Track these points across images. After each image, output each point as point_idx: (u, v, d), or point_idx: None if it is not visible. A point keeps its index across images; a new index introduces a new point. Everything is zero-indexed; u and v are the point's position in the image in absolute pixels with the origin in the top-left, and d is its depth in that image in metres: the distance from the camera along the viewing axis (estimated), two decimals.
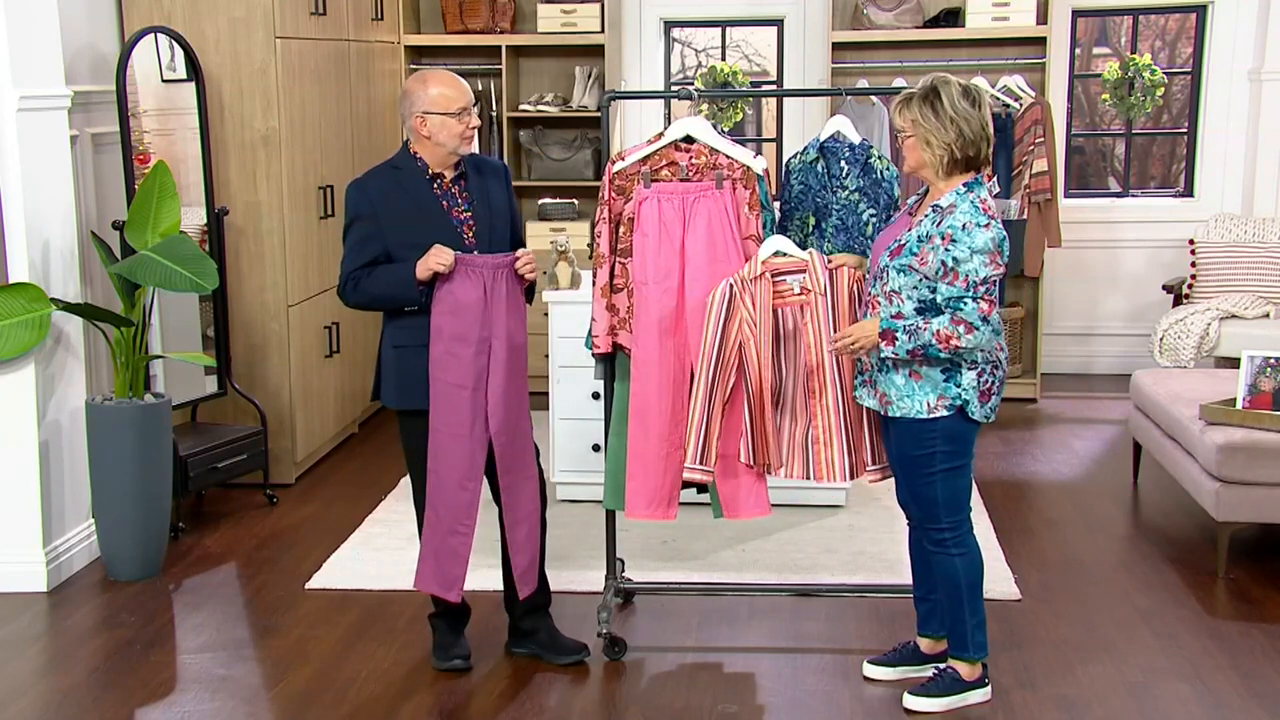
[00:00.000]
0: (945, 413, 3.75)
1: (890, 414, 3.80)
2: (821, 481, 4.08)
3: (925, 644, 4.13)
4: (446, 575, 4.05)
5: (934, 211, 3.73)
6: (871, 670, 4.14)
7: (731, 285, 4.02)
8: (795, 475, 4.08)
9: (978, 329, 3.63)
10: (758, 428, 4.04)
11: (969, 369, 3.74)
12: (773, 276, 4.03)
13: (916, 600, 4.14)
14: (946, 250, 3.64)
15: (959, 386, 3.74)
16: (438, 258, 3.85)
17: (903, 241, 3.74)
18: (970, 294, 3.63)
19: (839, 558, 5.10)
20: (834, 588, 4.72)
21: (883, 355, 3.73)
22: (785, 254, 4.05)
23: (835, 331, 3.95)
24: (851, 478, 4.07)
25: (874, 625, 4.51)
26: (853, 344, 3.79)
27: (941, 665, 4.02)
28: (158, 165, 5.14)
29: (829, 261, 3.98)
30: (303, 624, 4.58)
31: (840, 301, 4.01)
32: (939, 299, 3.66)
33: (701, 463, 4.08)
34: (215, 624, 4.60)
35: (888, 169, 4.40)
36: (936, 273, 3.66)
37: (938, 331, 3.63)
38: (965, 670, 3.94)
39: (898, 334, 3.68)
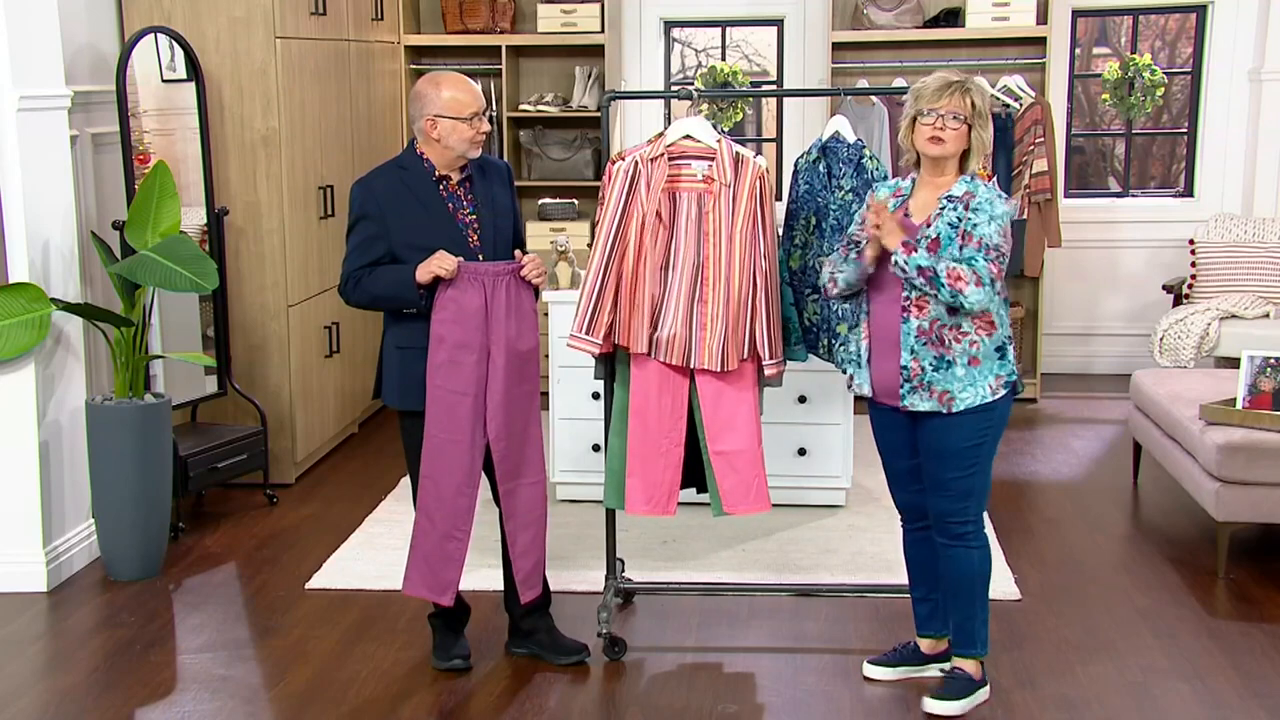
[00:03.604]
0: (1004, 391, 3.79)
1: (955, 410, 3.76)
2: (701, 365, 4.09)
3: (925, 644, 4.13)
4: (439, 579, 4.04)
5: (949, 201, 3.74)
6: (872, 670, 4.13)
7: (636, 162, 4.02)
8: (676, 361, 4.09)
9: (985, 285, 3.65)
10: (624, 307, 4.09)
11: (1009, 346, 3.80)
12: (676, 160, 4.07)
13: (916, 601, 4.14)
14: (967, 220, 3.70)
15: (1010, 362, 3.80)
16: (441, 262, 3.85)
17: (933, 236, 3.73)
18: (981, 254, 3.67)
19: (839, 558, 5.10)
20: (834, 588, 4.72)
21: (894, 260, 3.69)
22: (694, 138, 4.06)
23: (731, 224, 4.00)
24: (723, 368, 4.09)
25: (874, 625, 4.50)
26: (876, 227, 3.72)
27: (947, 665, 4.02)
28: (158, 165, 5.14)
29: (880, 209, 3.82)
30: (303, 624, 4.58)
31: (742, 195, 4.01)
32: (943, 267, 3.69)
33: (587, 333, 4.10)
34: (215, 624, 4.60)
35: (878, 169, 4.41)
36: (950, 240, 3.69)
37: (950, 267, 3.65)
38: (972, 668, 3.95)
39: (918, 249, 3.69)
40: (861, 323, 3.88)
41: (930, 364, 3.76)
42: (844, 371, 4.41)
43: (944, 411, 3.77)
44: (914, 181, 3.85)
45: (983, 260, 3.68)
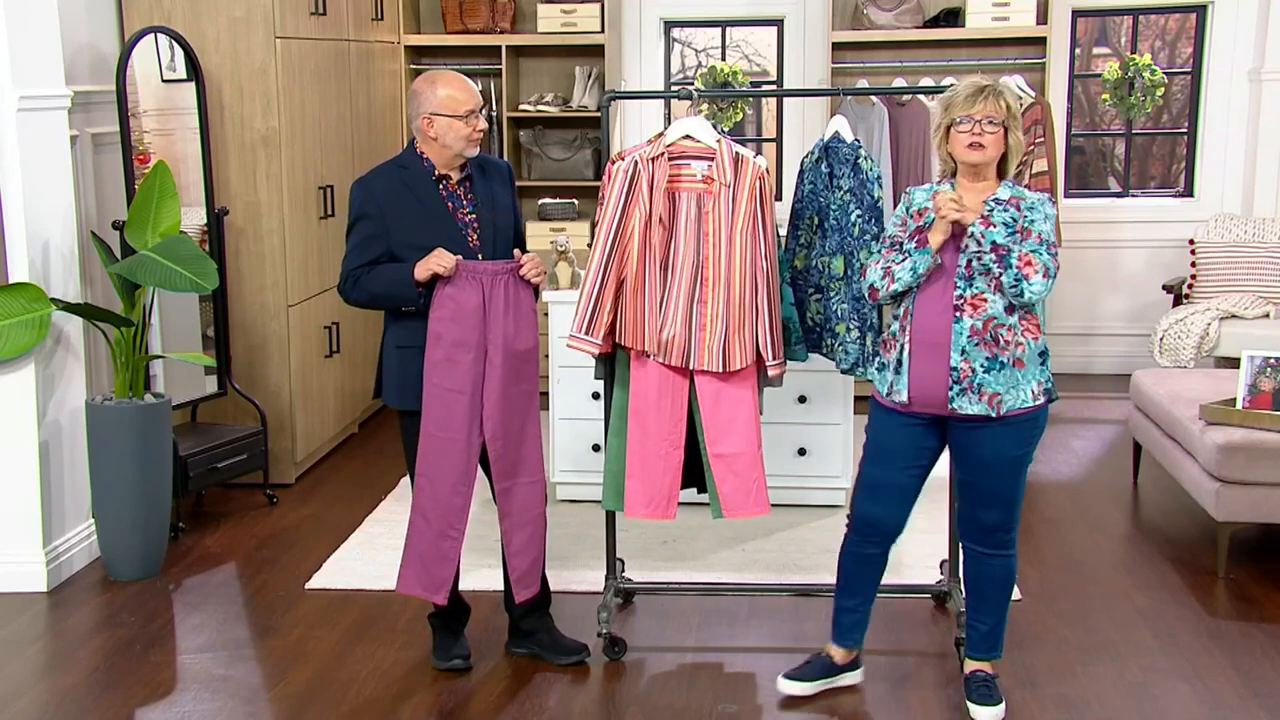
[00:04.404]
0: (1044, 398, 3.78)
1: (1003, 413, 3.71)
2: (700, 367, 4.09)
3: (839, 654, 4.04)
4: (433, 578, 4.04)
5: (997, 204, 3.72)
6: (790, 686, 4.00)
7: (636, 162, 4.03)
8: (675, 362, 4.09)
9: (1050, 277, 3.67)
10: (624, 307, 4.10)
11: (1049, 354, 3.81)
12: (676, 160, 4.07)
13: (844, 611, 4.02)
14: (1024, 218, 3.72)
15: (1049, 369, 3.79)
16: (439, 260, 3.85)
17: (994, 240, 3.71)
18: (1043, 248, 3.69)
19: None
20: (834, 588, 4.70)
21: (971, 232, 3.65)
22: (694, 138, 4.07)
23: (731, 225, 4.00)
24: (723, 369, 4.09)
25: (874, 625, 4.47)
26: (957, 209, 3.66)
27: (979, 672, 3.96)
28: (158, 165, 5.14)
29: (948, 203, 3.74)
30: (303, 624, 4.58)
31: (742, 195, 4.01)
32: (1016, 250, 3.69)
33: (587, 333, 4.11)
34: (215, 624, 4.60)
35: (872, 169, 4.41)
36: (1010, 236, 3.68)
37: (1023, 252, 3.65)
38: (992, 669, 3.96)
39: (996, 224, 3.68)
40: (905, 326, 3.77)
41: (982, 365, 3.69)
42: (844, 372, 4.40)
43: (993, 415, 3.70)
44: (953, 187, 3.79)
45: (1046, 253, 3.69)
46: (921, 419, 3.81)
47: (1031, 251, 3.68)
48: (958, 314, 3.69)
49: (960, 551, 4.05)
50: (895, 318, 3.84)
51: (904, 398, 3.77)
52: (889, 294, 3.79)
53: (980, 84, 3.74)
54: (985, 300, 3.69)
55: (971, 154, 3.72)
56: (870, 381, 3.95)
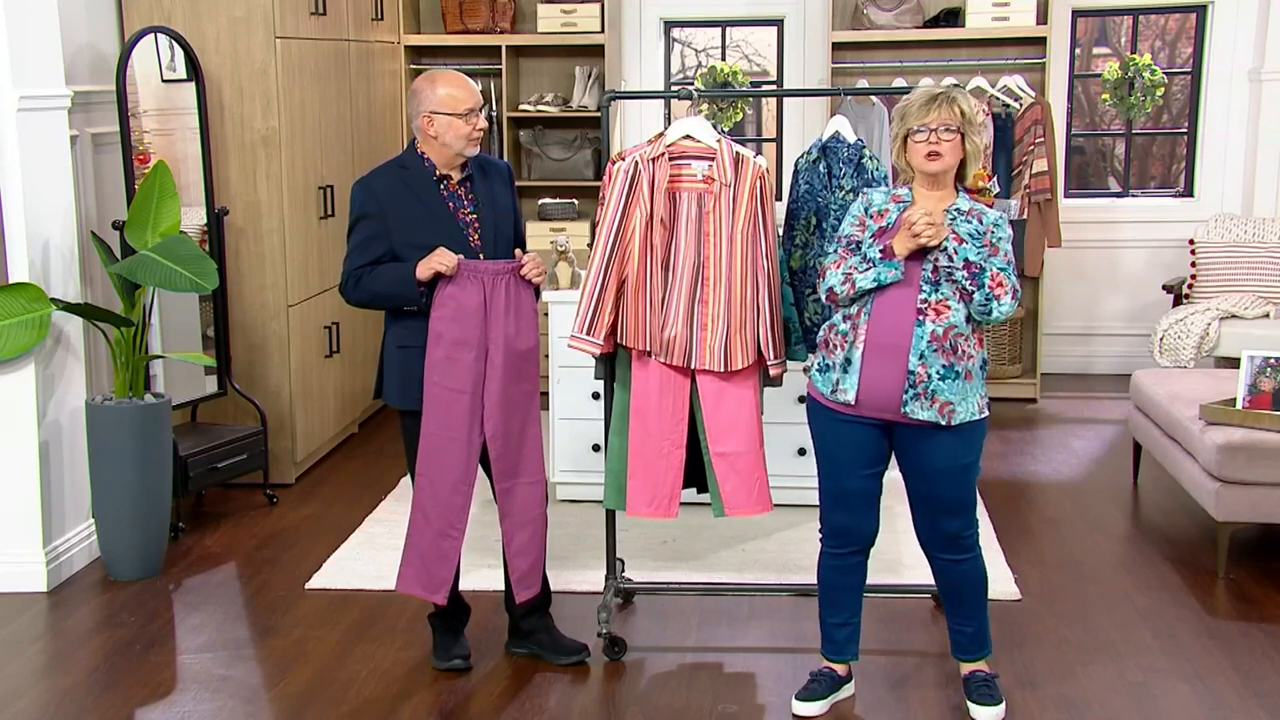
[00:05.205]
0: (987, 412, 3.78)
1: (954, 423, 3.69)
2: (701, 366, 4.09)
3: (841, 668, 4.04)
4: (433, 578, 4.04)
5: (959, 214, 3.70)
6: (805, 708, 3.95)
7: (636, 162, 4.04)
8: (677, 361, 4.09)
9: (1017, 298, 3.68)
10: (624, 308, 4.11)
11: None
12: (676, 160, 4.07)
13: (835, 627, 3.99)
14: (991, 233, 3.71)
15: (985, 384, 3.79)
16: (440, 259, 3.85)
17: (967, 258, 3.68)
18: (1010, 267, 3.69)
19: None
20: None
21: (945, 247, 3.62)
22: (694, 138, 4.08)
23: (732, 225, 3.99)
24: (724, 369, 4.09)
25: (873, 625, 4.50)
26: (930, 225, 3.60)
27: (978, 672, 3.95)
28: (158, 165, 5.15)
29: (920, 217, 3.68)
30: (303, 624, 4.58)
31: (743, 195, 4.01)
32: (989, 270, 3.67)
33: (588, 334, 4.11)
34: (215, 624, 4.60)
35: (878, 169, 4.40)
36: (979, 250, 3.66)
37: (995, 271, 3.65)
38: (988, 667, 3.96)
39: (963, 238, 3.66)
40: (858, 325, 3.71)
41: (938, 372, 3.65)
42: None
43: (943, 424, 3.68)
44: (910, 191, 3.78)
45: (1012, 273, 3.68)
46: (868, 422, 3.76)
47: (1001, 270, 3.67)
48: (920, 318, 3.66)
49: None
50: (845, 317, 3.76)
51: (850, 398, 3.71)
52: (848, 299, 3.73)
53: (934, 92, 3.71)
54: (949, 308, 3.67)
55: (930, 163, 3.68)
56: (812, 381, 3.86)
